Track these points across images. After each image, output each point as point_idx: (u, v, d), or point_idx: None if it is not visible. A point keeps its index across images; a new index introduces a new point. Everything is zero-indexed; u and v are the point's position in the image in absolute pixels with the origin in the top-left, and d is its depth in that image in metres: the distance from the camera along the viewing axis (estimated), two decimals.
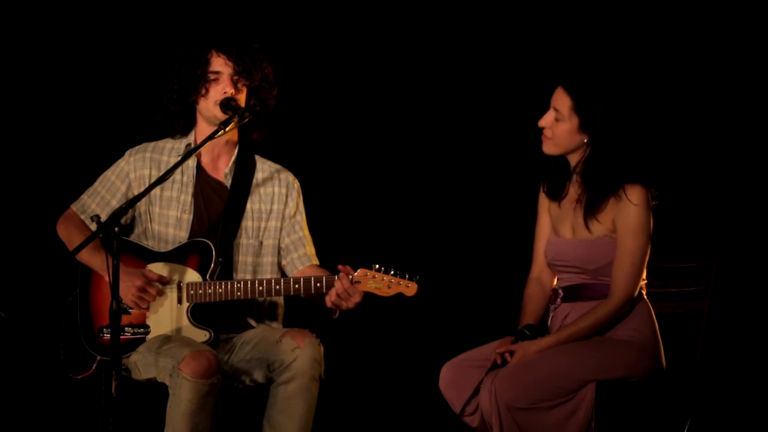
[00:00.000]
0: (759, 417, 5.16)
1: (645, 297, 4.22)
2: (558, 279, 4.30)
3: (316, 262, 4.45)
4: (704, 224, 5.27)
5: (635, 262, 4.12)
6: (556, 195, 4.31)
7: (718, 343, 4.85)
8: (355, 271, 4.15)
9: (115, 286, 3.86)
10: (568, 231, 4.26)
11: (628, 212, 4.12)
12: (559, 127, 4.19)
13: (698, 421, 4.32)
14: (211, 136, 4.23)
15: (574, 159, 4.24)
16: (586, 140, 4.18)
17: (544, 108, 4.24)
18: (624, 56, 5.32)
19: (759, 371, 5.20)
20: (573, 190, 4.28)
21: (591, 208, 4.17)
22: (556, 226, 4.31)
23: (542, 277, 4.34)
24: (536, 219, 4.38)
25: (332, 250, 4.50)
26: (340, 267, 4.16)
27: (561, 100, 4.19)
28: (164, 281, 4.29)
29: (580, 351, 4.10)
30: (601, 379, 4.07)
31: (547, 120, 4.21)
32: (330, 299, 4.20)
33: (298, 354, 4.16)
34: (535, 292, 4.32)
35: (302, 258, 4.44)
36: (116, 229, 3.90)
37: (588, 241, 4.19)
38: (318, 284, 4.19)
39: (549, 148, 4.23)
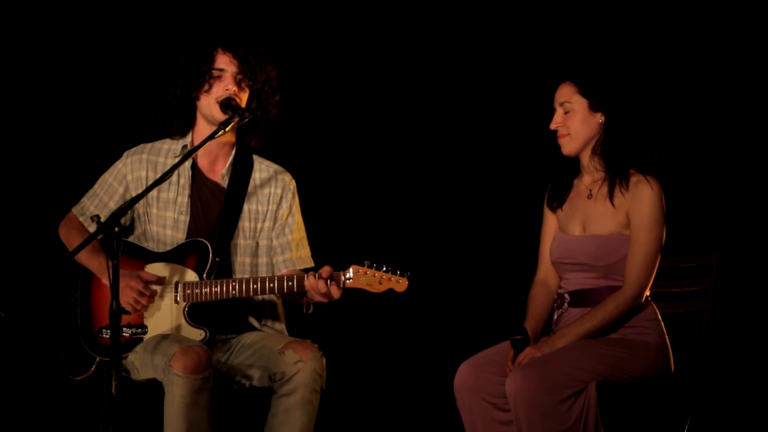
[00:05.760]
0: (759, 417, 5.16)
1: (651, 301, 4.23)
2: (563, 280, 4.29)
3: (307, 264, 4.46)
4: (705, 224, 5.28)
5: (649, 252, 4.13)
6: (561, 201, 4.31)
7: (718, 343, 4.85)
8: (348, 268, 4.17)
9: (115, 286, 3.86)
10: (577, 228, 4.26)
11: (644, 203, 4.13)
12: (571, 119, 4.21)
13: (699, 421, 4.31)
14: (211, 136, 4.23)
15: (587, 152, 4.24)
16: (601, 120, 4.19)
17: (545, 104, 4.25)
18: (621, 52, 5.34)
19: (759, 371, 5.20)
20: (583, 185, 4.28)
21: (619, 179, 4.16)
22: (564, 225, 4.30)
23: (548, 280, 4.34)
24: (542, 221, 4.38)
25: (336, 249, 4.51)
26: (320, 272, 4.18)
27: (565, 92, 4.21)
28: (161, 282, 4.29)
29: (596, 349, 4.10)
30: (615, 378, 4.08)
31: (557, 118, 4.23)
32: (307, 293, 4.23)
33: (301, 367, 4.17)
34: (540, 293, 4.32)
35: (286, 262, 4.44)
36: (116, 229, 3.90)
37: (600, 236, 4.19)
38: (290, 283, 4.20)
39: (569, 145, 4.23)
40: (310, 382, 4.17)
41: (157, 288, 4.30)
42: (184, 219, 4.39)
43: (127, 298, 4.24)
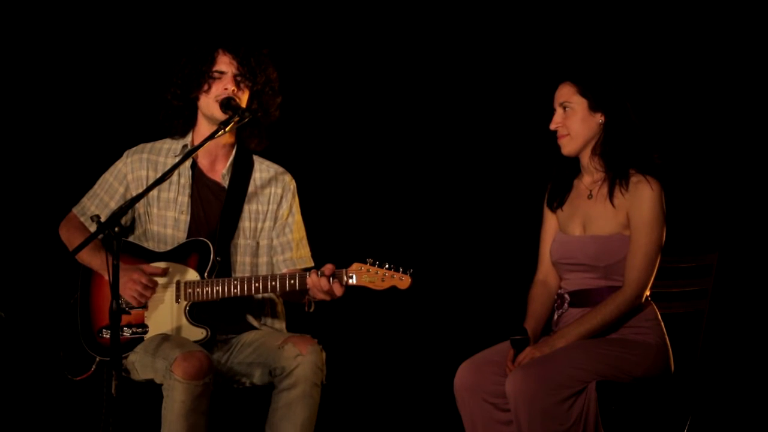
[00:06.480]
0: (759, 417, 5.16)
1: (651, 301, 4.23)
2: (563, 280, 4.29)
3: (307, 264, 4.46)
4: (705, 224, 5.28)
5: (649, 252, 4.13)
6: (561, 201, 4.31)
7: (718, 343, 4.85)
8: (350, 265, 4.17)
9: (115, 287, 3.86)
10: (578, 228, 4.26)
11: (644, 203, 4.13)
12: (571, 119, 4.21)
13: (699, 421, 4.31)
14: (211, 136, 4.23)
15: (586, 153, 4.24)
16: (601, 120, 4.19)
17: (545, 104, 4.25)
18: (621, 53, 5.34)
19: (759, 371, 5.20)
20: (583, 185, 4.28)
21: (619, 180, 4.16)
22: (564, 226, 4.30)
23: (548, 280, 4.34)
24: (542, 221, 4.38)
25: (339, 247, 4.51)
26: (322, 269, 4.18)
27: (565, 92, 4.21)
28: (164, 275, 4.29)
29: (596, 349, 4.10)
30: (615, 378, 4.08)
31: (557, 118, 4.23)
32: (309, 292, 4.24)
33: (301, 361, 4.17)
34: (540, 293, 4.32)
35: (286, 262, 4.45)
36: (116, 229, 3.90)
37: (600, 237, 4.19)
38: (292, 281, 4.21)
39: (568, 146, 4.23)
40: (311, 375, 4.17)
41: (160, 281, 4.30)
42: (185, 218, 4.39)
43: (130, 291, 4.24)
